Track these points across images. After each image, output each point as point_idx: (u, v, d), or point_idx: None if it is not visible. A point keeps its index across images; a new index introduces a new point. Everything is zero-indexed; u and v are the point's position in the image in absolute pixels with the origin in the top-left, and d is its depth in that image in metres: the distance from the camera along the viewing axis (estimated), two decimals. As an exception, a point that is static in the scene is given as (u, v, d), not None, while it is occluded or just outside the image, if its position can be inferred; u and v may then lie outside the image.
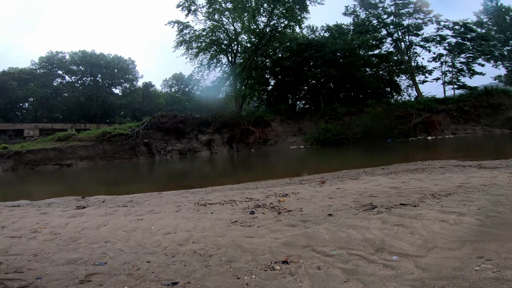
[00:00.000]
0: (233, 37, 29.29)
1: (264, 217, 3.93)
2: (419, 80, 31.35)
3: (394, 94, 32.36)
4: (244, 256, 2.64)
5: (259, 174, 11.72)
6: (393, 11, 29.71)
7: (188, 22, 28.91)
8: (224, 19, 28.76)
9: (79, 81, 49.08)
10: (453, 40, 29.87)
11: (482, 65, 30.14)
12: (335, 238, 2.90)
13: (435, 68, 31.66)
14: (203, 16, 28.57)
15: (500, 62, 33.97)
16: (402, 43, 31.15)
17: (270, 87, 33.42)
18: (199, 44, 29.19)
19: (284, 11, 27.48)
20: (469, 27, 29.59)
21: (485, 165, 7.43)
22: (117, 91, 52.29)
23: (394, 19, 30.01)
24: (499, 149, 14.45)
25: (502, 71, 36.42)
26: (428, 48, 30.58)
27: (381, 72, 32.45)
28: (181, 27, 28.45)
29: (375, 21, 30.67)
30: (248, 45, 30.40)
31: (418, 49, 31.18)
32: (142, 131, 23.79)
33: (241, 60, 31.16)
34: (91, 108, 46.13)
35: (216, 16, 28.47)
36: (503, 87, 29.26)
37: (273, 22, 28.74)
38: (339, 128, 23.87)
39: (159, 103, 53.40)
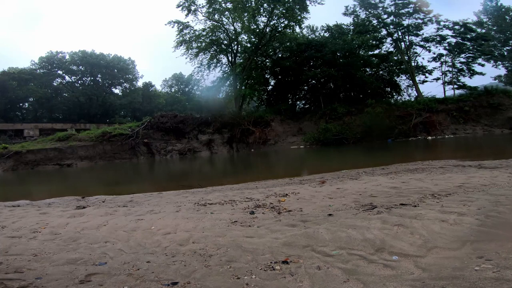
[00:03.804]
0: (233, 37, 29.31)
1: (264, 217, 3.93)
2: (419, 80, 31.39)
3: (394, 94, 32.42)
4: (244, 256, 2.64)
5: (259, 174, 11.71)
6: (393, 11, 29.70)
7: (188, 22, 29.04)
8: (224, 19, 28.83)
9: (79, 81, 49.10)
10: (453, 40, 29.90)
11: (482, 65, 30.20)
12: (335, 238, 2.90)
13: (435, 68, 31.73)
14: (203, 16, 28.65)
15: (500, 62, 34.01)
16: (402, 43, 31.16)
17: (270, 87, 33.47)
18: (199, 44, 29.23)
19: (284, 11, 27.49)
20: (469, 27, 29.58)
21: (485, 165, 7.43)
22: (117, 91, 52.40)
23: (394, 19, 30.01)
24: (499, 149, 14.44)
25: (502, 71, 36.52)
26: (428, 48, 30.62)
27: (381, 72, 32.47)
28: (181, 27, 28.50)
29: (375, 21, 30.67)
30: (248, 45, 30.43)
31: (418, 49, 31.26)
32: (142, 131, 23.79)
33: (241, 60, 31.18)
34: (91, 108, 46.12)
35: (216, 16, 28.52)
36: (503, 87, 29.24)
37: (273, 22, 28.78)
38: (339, 128, 23.88)
39: (159, 103, 53.39)
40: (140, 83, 53.53)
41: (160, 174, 16.24)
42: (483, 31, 32.41)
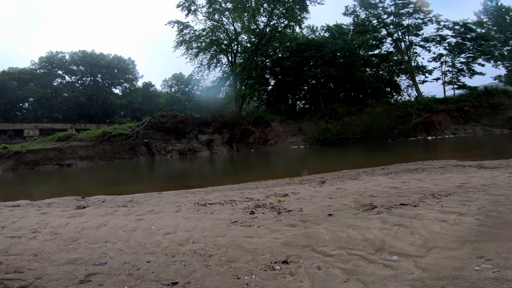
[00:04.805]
0: (233, 37, 29.32)
1: (264, 217, 3.92)
2: (419, 80, 31.37)
3: (394, 94, 32.39)
4: (244, 256, 2.64)
5: (259, 174, 11.71)
6: (393, 11, 29.69)
7: (188, 22, 29.06)
8: (224, 19, 28.84)
9: (79, 81, 49.10)
10: (453, 40, 29.89)
11: (482, 65, 30.18)
12: (335, 238, 2.90)
13: (435, 68, 31.71)
14: (203, 16, 28.67)
15: (500, 62, 33.98)
16: (402, 43, 31.15)
17: (270, 87, 33.45)
18: (199, 44, 29.24)
19: (284, 11, 27.49)
20: (469, 27, 29.57)
21: (485, 165, 7.42)
22: (117, 91, 52.40)
23: (394, 19, 29.99)
24: (499, 149, 14.44)
25: (502, 71, 36.48)
26: (428, 48, 30.60)
27: (381, 72, 32.44)
28: (181, 27, 28.51)
29: (375, 21, 30.66)
30: (248, 45, 30.42)
31: (418, 49, 31.24)
32: (142, 131, 23.79)
33: (241, 60, 31.18)
34: (91, 108, 46.12)
35: (216, 16, 28.53)
36: (503, 87, 29.25)
37: (273, 22, 28.78)
38: (339, 128, 23.87)
39: (159, 103, 53.40)
40: (140, 83, 53.65)
41: (160, 174, 16.24)
42: (483, 31, 32.39)
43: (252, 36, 29.26)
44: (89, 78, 49.06)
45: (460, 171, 6.88)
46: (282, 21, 28.80)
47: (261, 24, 28.60)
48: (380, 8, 29.96)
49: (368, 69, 31.81)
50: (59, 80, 47.61)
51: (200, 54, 29.83)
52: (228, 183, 8.33)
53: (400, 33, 30.74)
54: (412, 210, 3.67)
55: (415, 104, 26.04)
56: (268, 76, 32.95)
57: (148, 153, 23.50)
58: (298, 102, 33.08)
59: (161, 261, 2.65)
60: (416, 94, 30.30)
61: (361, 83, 28.62)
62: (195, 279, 2.27)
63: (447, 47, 30.16)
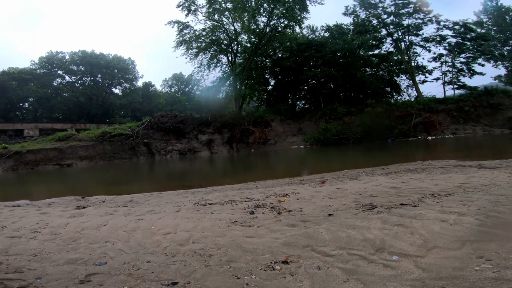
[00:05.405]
0: (233, 37, 29.32)
1: (264, 217, 3.92)
2: (419, 80, 31.34)
3: (394, 94, 32.37)
4: (244, 256, 2.64)
5: (259, 174, 11.72)
6: (393, 11, 29.66)
7: (188, 22, 29.03)
8: (224, 19, 28.84)
9: (79, 81, 49.08)
10: (453, 40, 29.84)
11: (482, 65, 30.12)
12: (335, 238, 2.90)
13: (435, 68, 31.65)
14: (203, 16, 28.66)
15: (500, 62, 33.95)
16: (402, 43, 31.12)
17: (270, 87, 33.44)
18: (199, 44, 29.23)
19: (284, 11, 27.48)
20: (469, 27, 29.55)
21: (485, 165, 7.42)
22: (117, 91, 52.38)
23: (394, 19, 29.97)
24: (499, 149, 14.44)
25: (502, 71, 36.47)
26: (428, 48, 30.57)
27: (381, 72, 32.43)
28: (181, 27, 28.51)
29: (375, 21, 30.63)
30: (248, 45, 30.42)
31: (418, 49, 31.19)
32: (142, 131, 23.79)
33: (241, 60, 31.17)
34: (91, 108, 46.11)
35: (216, 16, 28.52)
36: (503, 87, 29.24)
37: (273, 22, 28.77)
38: (339, 128, 23.87)
39: (159, 103, 53.39)
40: (140, 83, 53.62)
41: (160, 174, 16.23)
42: (483, 31, 32.37)
43: (252, 36, 29.25)
44: (89, 78, 49.04)
45: (460, 171, 6.88)
46: (282, 21, 28.80)
47: (261, 24, 28.63)
48: (380, 8, 29.94)
49: (368, 69, 31.79)
50: (59, 80, 47.62)
51: (200, 54, 29.86)
52: (228, 183, 8.33)
53: (400, 33, 30.72)
54: (412, 210, 3.67)
55: (415, 104, 26.03)
56: (268, 76, 32.95)
57: (148, 153, 23.49)
58: (298, 102, 33.11)
59: (161, 261, 2.65)
60: (416, 94, 30.30)
61: (361, 83, 28.61)
62: (195, 279, 2.27)
63: (447, 47, 30.13)
